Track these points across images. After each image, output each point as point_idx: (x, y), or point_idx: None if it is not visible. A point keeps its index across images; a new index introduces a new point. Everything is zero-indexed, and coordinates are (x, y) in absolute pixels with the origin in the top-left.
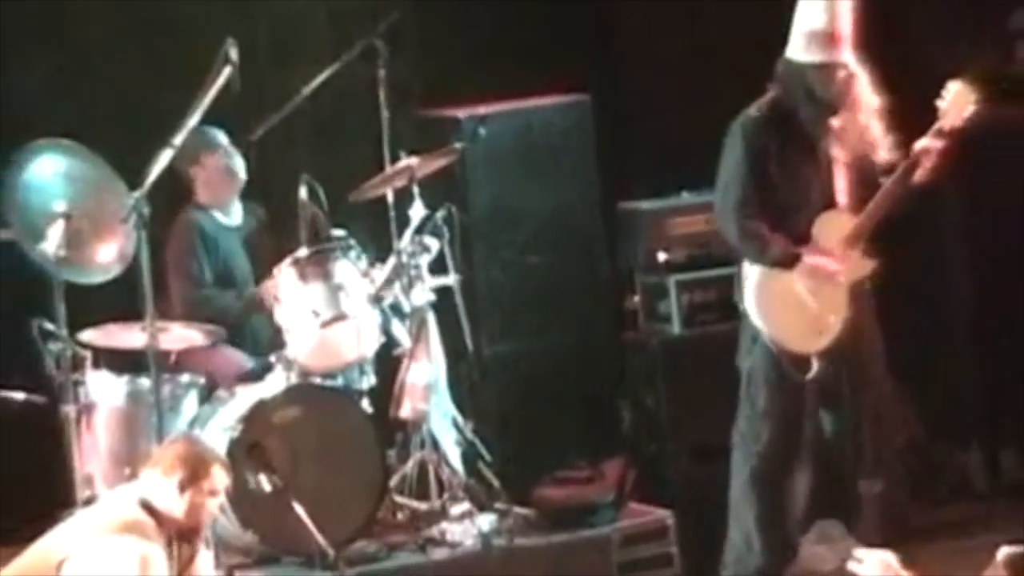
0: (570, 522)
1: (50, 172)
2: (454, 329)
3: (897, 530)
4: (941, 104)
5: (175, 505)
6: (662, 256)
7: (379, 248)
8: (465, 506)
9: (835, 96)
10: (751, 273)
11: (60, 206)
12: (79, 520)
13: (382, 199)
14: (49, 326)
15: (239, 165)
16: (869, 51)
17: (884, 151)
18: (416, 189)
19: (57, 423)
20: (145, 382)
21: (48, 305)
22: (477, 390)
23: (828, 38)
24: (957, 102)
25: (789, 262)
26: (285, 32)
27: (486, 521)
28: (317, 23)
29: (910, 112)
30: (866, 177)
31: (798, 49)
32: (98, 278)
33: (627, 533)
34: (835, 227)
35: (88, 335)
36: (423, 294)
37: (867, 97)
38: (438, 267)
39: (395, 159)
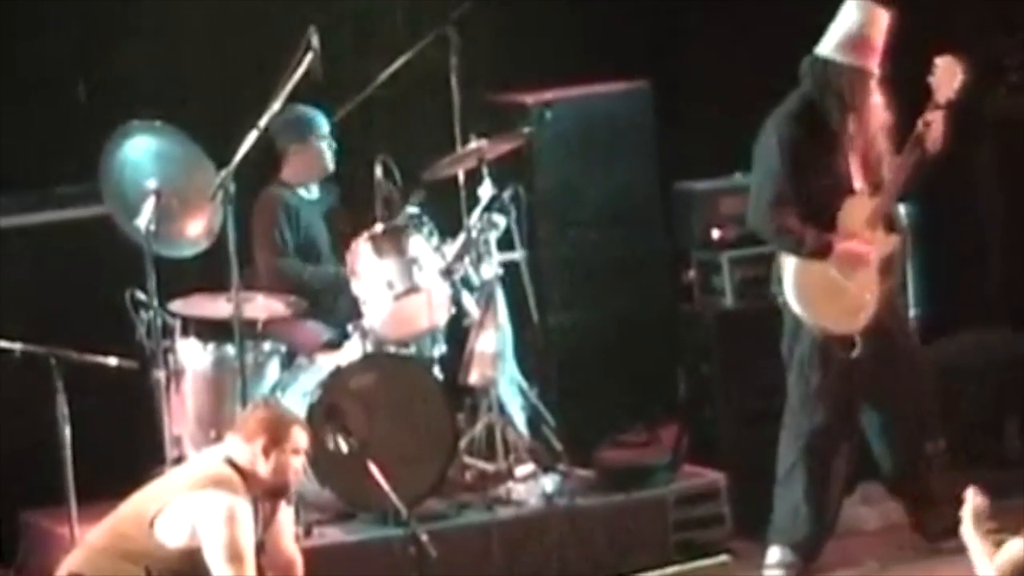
0: (628, 483)
1: (142, 151)
2: (520, 301)
3: (944, 497)
4: (932, 80)
5: (260, 467)
6: (716, 234)
7: (450, 225)
8: (530, 467)
9: (859, 100)
10: (788, 265)
11: (151, 183)
12: (169, 478)
13: (453, 179)
14: (141, 296)
15: (332, 153)
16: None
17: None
18: (485, 170)
19: (148, 387)
20: (230, 349)
21: (140, 277)
22: (541, 358)
23: (867, 44)
24: (946, 76)
25: (823, 252)
26: (364, 22)
27: (549, 482)
28: (393, 13)
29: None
30: (876, 162)
31: (836, 49)
32: (187, 251)
33: (682, 494)
34: (857, 210)
35: (177, 305)
36: (491, 268)
37: (879, 110)
38: (505, 243)
39: (466, 141)
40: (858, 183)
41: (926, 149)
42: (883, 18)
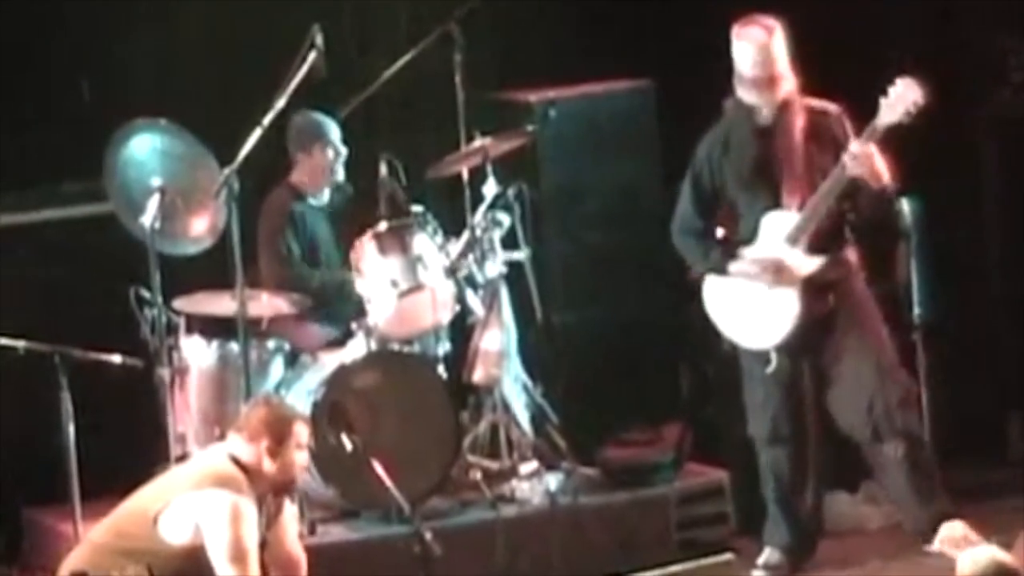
0: (631, 481)
1: (147, 149)
2: (524, 299)
3: (927, 490)
4: (883, 100)
5: (266, 465)
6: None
7: (454, 223)
8: (533, 465)
9: (776, 126)
10: (707, 278)
11: (156, 181)
12: (173, 475)
13: (457, 177)
14: (145, 294)
15: (341, 162)
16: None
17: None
18: (489, 168)
19: (152, 385)
20: (234, 347)
21: (145, 274)
22: (545, 356)
23: (763, 82)
24: (900, 99)
25: (722, 269)
26: (367, 20)
27: (553, 480)
28: (397, 11)
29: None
30: (812, 177)
31: (739, 88)
32: (191, 249)
33: (685, 492)
34: (779, 226)
35: (181, 303)
36: (495, 266)
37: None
38: (510, 241)
39: (470, 140)
40: (792, 199)
41: (863, 180)
42: (752, 49)
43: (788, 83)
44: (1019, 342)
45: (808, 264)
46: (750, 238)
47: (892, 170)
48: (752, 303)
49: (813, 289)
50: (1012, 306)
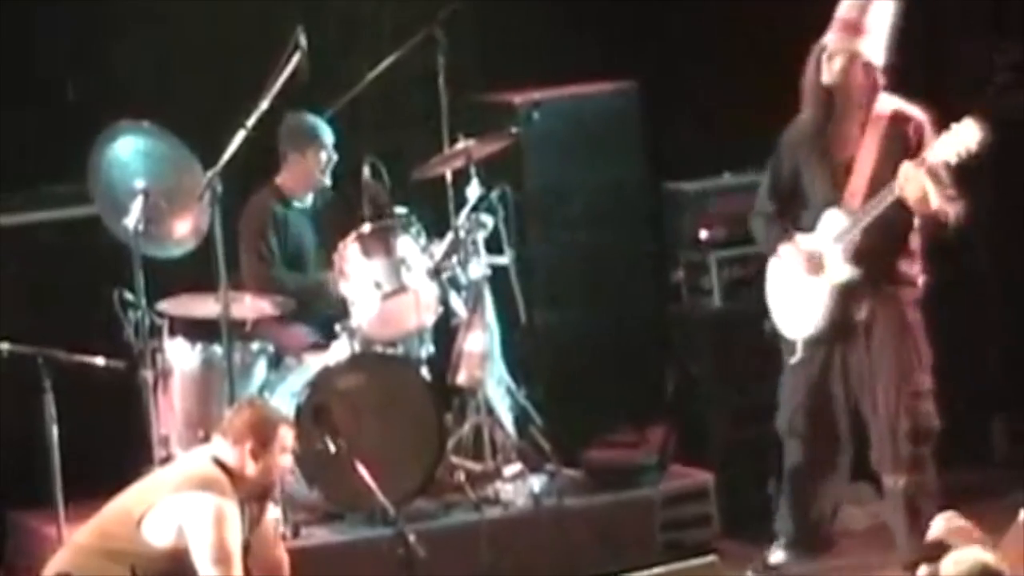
0: (616, 483)
1: (130, 151)
2: (508, 301)
3: (919, 527)
4: (943, 135)
5: (249, 468)
6: (704, 234)
7: (438, 225)
8: (517, 467)
9: (835, 83)
10: (771, 259)
11: (139, 183)
12: (156, 477)
13: (441, 179)
14: (129, 296)
15: (331, 167)
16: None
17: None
18: (473, 169)
19: (135, 387)
20: (218, 349)
21: (129, 277)
22: (530, 358)
23: (848, 24)
24: (956, 139)
25: (774, 250)
26: (351, 22)
27: (537, 482)
28: (381, 13)
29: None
30: (872, 177)
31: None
32: (175, 252)
33: (669, 494)
34: (833, 224)
35: (164, 305)
36: (479, 268)
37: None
38: (493, 243)
39: (453, 141)
40: (853, 198)
41: (907, 203)
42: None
43: (870, 45)
44: (1003, 344)
45: (840, 272)
46: (811, 228)
47: (945, 200)
48: (794, 292)
49: (848, 293)
50: (996, 308)
